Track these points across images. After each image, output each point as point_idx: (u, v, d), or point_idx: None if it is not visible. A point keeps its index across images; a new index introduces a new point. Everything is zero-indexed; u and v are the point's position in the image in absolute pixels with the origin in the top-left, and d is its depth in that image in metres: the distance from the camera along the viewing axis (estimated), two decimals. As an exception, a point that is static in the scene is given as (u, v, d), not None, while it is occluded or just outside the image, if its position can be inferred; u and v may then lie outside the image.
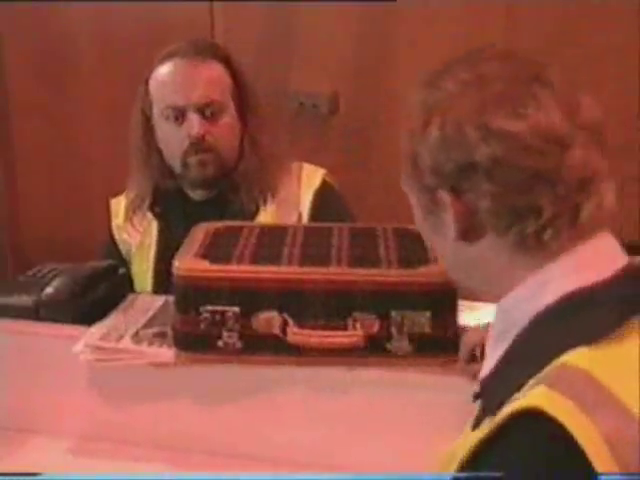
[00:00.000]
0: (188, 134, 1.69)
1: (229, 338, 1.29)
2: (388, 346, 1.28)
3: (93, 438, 1.41)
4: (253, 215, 1.73)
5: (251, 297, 1.28)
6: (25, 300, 1.43)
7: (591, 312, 0.83)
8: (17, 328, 1.42)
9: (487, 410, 0.84)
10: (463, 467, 0.81)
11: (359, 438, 1.32)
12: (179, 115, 1.69)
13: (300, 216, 1.74)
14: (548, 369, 0.79)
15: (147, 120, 1.75)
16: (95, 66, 2.64)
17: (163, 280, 1.68)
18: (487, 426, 0.81)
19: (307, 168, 1.81)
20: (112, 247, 1.83)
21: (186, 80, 1.70)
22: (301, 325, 1.27)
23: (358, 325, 1.27)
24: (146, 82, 1.75)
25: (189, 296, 1.30)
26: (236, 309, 1.27)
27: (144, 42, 2.52)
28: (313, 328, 1.27)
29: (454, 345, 1.27)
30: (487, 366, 0.91)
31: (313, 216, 1.74)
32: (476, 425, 0.85)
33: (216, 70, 1.72)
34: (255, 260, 1.32)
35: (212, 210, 1.69)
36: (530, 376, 0.80)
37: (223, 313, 1.28)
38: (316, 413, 1.33)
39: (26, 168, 2.81)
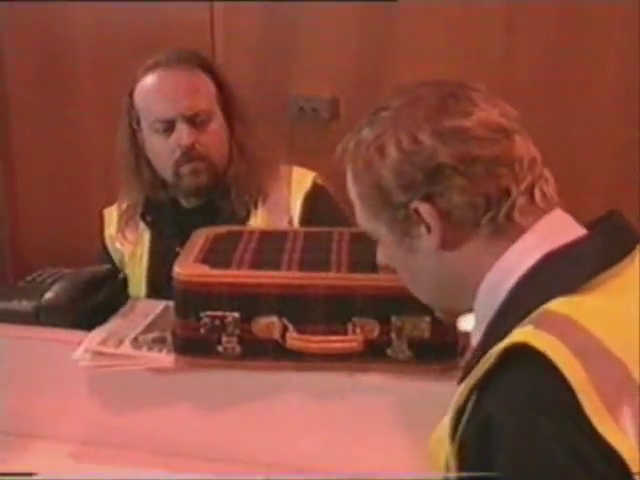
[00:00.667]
0: (178, 144, 1.68)
1: (229, 343, 1.29)
2: (388, 351, 1.28)
3: (93, 443, 1.41)
4: (244, 220, 1.73)
5: (251, 302, 1.28)
6: (25, 305, 1.43)
7: (567, 267, 0.90)
8: (17, 333, 1.42)
9: (471, 367, 0.88)
10: (458, 419, 0.87)
11: (359, 443, 1.32)
12: (168, 127, 1.69)
13: (291, 220, 1.74)
14: (532, 316, 0.86)
15: (134, 132, 1.75)
16: (94, 70, 2.64)
17: (157, 288, 1.69)
18: (475, 373, 0.86)
19: (297, 172, 1.81)
20: (105, 256, 1.83)
21: (172, 91, 1.69)
22: (301, 330, 1.28)
23: (358, 330, 1.27)
24: (130, 94, 1.74)
25: (189, 301, 1.30)
26: (236, 314, 1.27)
27: (144, 47, 2.52)
28: (313, 333, 1.27)
29: (453, 350, 1.28)
30: (474, 341, 0.97)
31: (304, 219, 1.74)
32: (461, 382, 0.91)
33: (201, 79, 1.72)
34: (255, 265, 1.32)
35: (203, 217, 1.69)
36: (514, 326, 0.86)
37: (223, 318, 1.28)
38: (316, 418, 1.33)
39: (26, 173, 2.81)
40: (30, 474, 1.31)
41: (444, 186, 0.93)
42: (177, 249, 1.58)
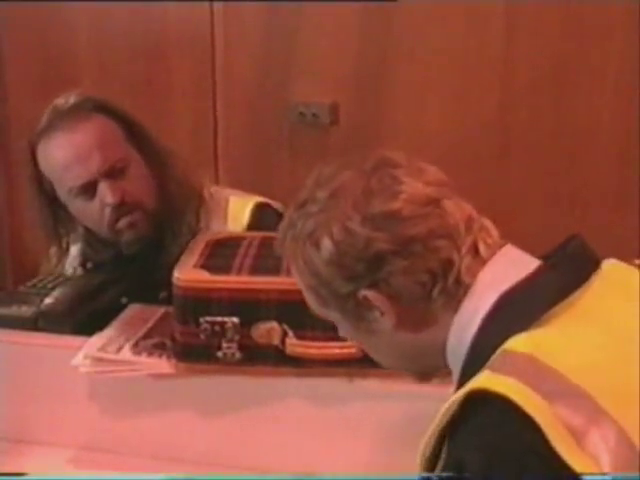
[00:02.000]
0: (106, 204, 1.56)
1: (228, 349, 1.29)
2: (387, 357, 1.28)
3: (93, 448, 1.41)
4: None
5: (250, 308, 1.28)
6: (25, 311, 1.44)
7: (521, 304, 0.90)
8: (17, 339, 1.43)
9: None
10: (426, 462, 0.89)
11: (359, 448, 1.32)
12: (88, 188, 1.56)
13: None
14: (492, 358, 0.86)
15: (50, 199, 1.63)
16: (95, 73, 2.64)
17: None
18: (438, 421, 0.87)
19: (234, 202, 1.70)
20: None
21: (78, 154, 1.54)
22: (300, 336, 1.28)
23: (357, 336, 1.27)
24: (34, 163, 1.62)
25: (188, 307, 1.30)
26: (235, 320, 1.27)
27: (144, 55, 2.53)
28: (312, 339, 1.27)
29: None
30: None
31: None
32: None
33: (103, 125, 1.58)
34: (254, 271, 1.32)
35: (145, 262, 1.61)
36: (477, 371, 0.86)
37: (222, 324, 1.28)
38: (315, 424, 1.33)
39: (26, 179, 2.80)
40: (21, 474, 1.31)
41: (386, 272, 0.92)
42: (122, 299, 1.56)
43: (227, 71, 2.52)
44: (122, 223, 1.59)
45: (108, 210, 1.57)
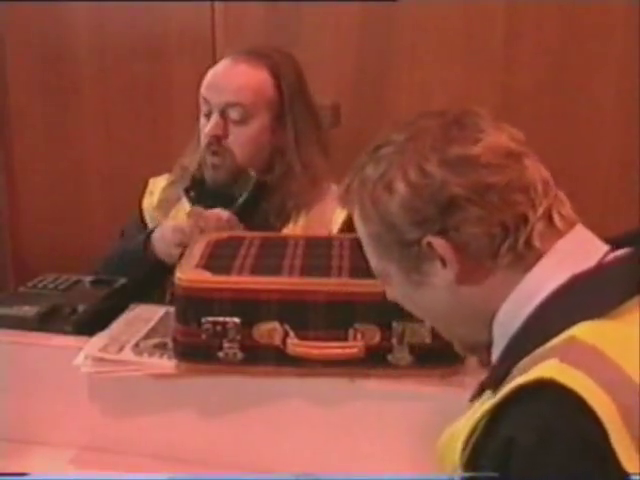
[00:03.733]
0: (204, 132, 1.70)
1: (230, 349, 1.29)
2: (389, 357, 1.28)
3: (94, 449, 1.41)
4: (279, 227, 1.71)
5: (252, 308, 1.28)
6: (26, 311, 1.43)
7: (593, 292, 0.87)
8: (18, 339, 1.42)
9: (488, 385, 0.88)
10: (469, 440, 0.85)
11: (360, 449, 1.32)
12: (208, 112, 1.70)
13: (330, 234, 1.70)
14: (556, 341, 0.83)
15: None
16: (96, 78, 2.64)
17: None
18: (492, 399, 0.84)
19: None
20: (139, 224, 1.82)
21: (221, 79, 1.71)
22: (302, 336, 1.28)
23: (359, 336, 1.27)
24: None
25: (190, 307, 1.30)
26: (237, 320, 1.27)
27: (144, 54, 2.53)
28: (314, 339, 1.27)
29: (454, 356, 1.27)
30: (493, 357, 0.94)
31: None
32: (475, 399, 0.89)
33: (258, 77, 1.71)
34: (256, 271, 1.32)
35: (244, 212, 1.68)
36: (536, 347, 0.84)
37: (224, 324, 1.28)
38: (317, 424, 1.33)
39: (27, 179, 2.81)
40: (22, 474, 1.31)
41: (459, 219, 0.89)
42: None
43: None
44: (209, 159, 1.70)
45: (206, 141, 1.70)
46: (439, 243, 0.91)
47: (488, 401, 0.85)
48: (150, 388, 1.36)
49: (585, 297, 0.87)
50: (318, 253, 1.40)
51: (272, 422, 1.35)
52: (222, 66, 1.73)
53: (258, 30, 2.48)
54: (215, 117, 1.69)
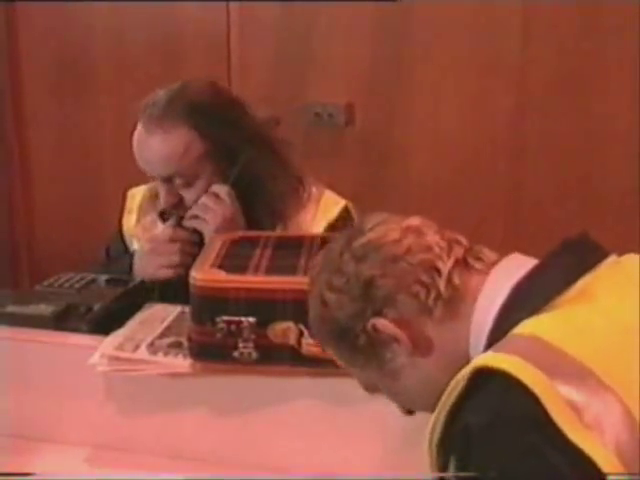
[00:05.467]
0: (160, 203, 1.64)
1: (245, 348, 1.29)
2: (404, 357, 1.28)
3: (109, 447, 1.41)
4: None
5: (267, 307, 1.28)
6: (42, 309, 1.44)
7: (531, 292, 0.93)
8: (34, 337, 1.43)
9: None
10: (437, 447, 0.92)
11: (374, 449, 1.32)
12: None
13: None
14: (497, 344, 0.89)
15: None
16: (111, 74, 2.65)
17: (169, 285, 1.66)
18: (443, 401, 0.90)
19: (327, 197, 1.72)
20: (119, 240, 1.81)
21: (146, 156, 1.60)
22: (317, 336, 1.27)
23: (374, 336, 1.27)
24: None
25: (205, 306, 1.30)
26: (252, 319, 1.28)
27: (160, 55, 2.54)
28: (329, 339, 1.27)
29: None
30: None
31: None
32: None
33: (179, 141, 1.57)
34: (271, 271, 1.32)
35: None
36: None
37: (239, 323, 1.28)
38: (331, 424, 1.33)
39: (43, 180, 2.82)
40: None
41: (381, 295, 0.98)
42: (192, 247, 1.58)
43: (243, 71, 2.52)
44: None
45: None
46: (380, 322, 0.99)
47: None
48: (165, 387, 1.37)
49: (523, 299, 0.93)
50: (333, 253, 1.39)
51: (286, 422, 1.35)
52: (141, 141, 1.59)
53: (272, 31, 2.49)
54: (163, 188, 1.62)
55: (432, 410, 1.05)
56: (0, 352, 1.43)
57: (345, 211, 1.71)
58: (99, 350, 1.37)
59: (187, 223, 1.65)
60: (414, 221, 1.03)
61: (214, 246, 1.43)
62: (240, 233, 1.53)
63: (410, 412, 1.13)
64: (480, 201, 2.34)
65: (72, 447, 1.41)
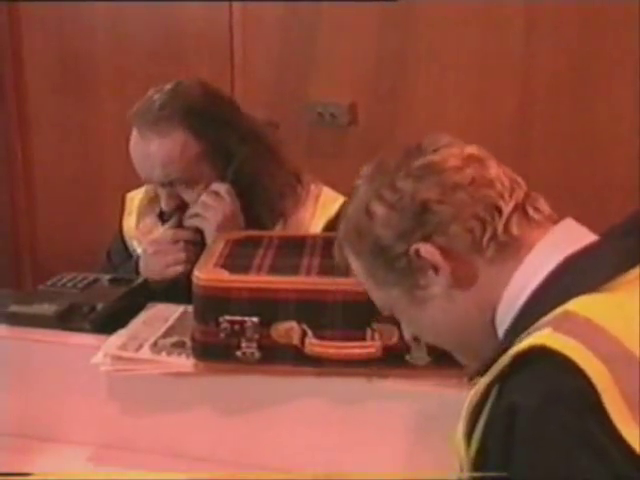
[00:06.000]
0: (162, 207, 1.65)
1: (248, 348, 1.29)
2: (407, 357, 1.28)
3: (112, 447, 1.41)
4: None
5: (270, 307, 1.28)
6: (46, 309, 1.44)
7: (587, 268, 0.90)
8: (37, 337, 1.43)
9: (488, 366, 0.89)
10: (475, 418, 0.88)
11: (377, 449, 1.32)
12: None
13: None
14: (551, 316, 0.86)
15: None
16: (114, 79, 2.66)
17: (170, 286, 1.67)
18: (491, 371, 0.87)
19: (326, 194, 1.73)
20: (120, 243, 1.81)
21: (144, 162, 1.60)
22: (320, 336, 1.28)
23: (377, 336, 1.27)
24: None
25: (208, 306, 1.30)
26: (255, 319, 1.28)
27: (162, 55, 2.54)
28: (332, 339, 1.27)
29: (473, 356, 1.27)
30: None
31: None
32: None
33: (176, 144, 1.57)
34: (274, 270, 1.32)
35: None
36: (532, 323, 0.87)
37: (242, 323, 1.28)
38: (334, 424, 1.33)
39: (45, 179, 2.83)
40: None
41: (436, 221, 0.95)
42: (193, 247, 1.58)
43: (245, 71, 2.52)
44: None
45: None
46: (425, 249, 0.95)
47: (488, 374, 0.88)
48: (168, 387, 1.37)
49: (578, 274, 0.90)
50: (336, 253, 1.39)
51: (290, 421, 1.35)
52: (138, 148, 1.60)
53: (275, 31, 2.49)
54: (163, 193, 1.63)
55: (445, 347, 1.06)
56: (3, 352, 1.43)
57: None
58: (102, 350, 1.37)
59: (188, 222, 1.65)
60: (475, 150, 0.99)
61: (217, 246, 1.43)
62: (243, 233, 1.53)
63: (416, 339, 1.12)
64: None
65: (75, 446, 1.42)
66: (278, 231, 1.67)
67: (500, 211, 0.94)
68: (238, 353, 1.29)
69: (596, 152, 2.28)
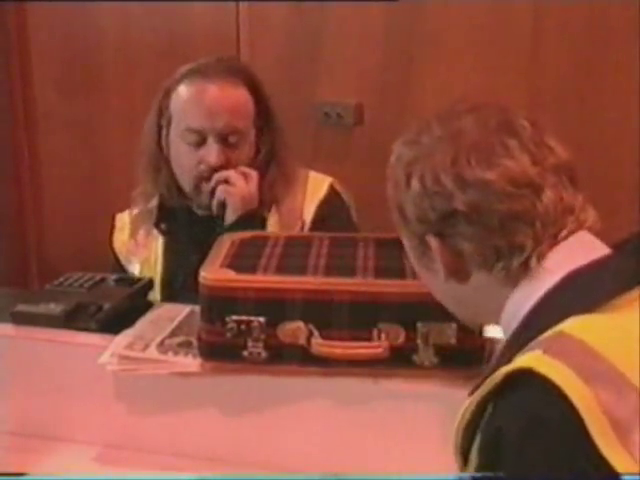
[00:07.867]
0: (207, 161, 1.65)
1: (254, 348, 1.29)
2: (414, 358, 1.28)
3: (119, 446, 1.41)
4: None
5: (276, 307, 1.28)
6: (52, 309, 1.44)
7: (587, 286, 0.90)
8: (44, 336, 1.43)
9: (484, 378, 0.89)
10: (463, 431, 0.90)
11: (384, 449, 1.32)
12: (199, 139, 1.65)
13: (303, 225, 1.71)
14: (545, 335, 0.86)
15: (160, 130, 1.71)
16: (121, 78, 2.66)
17: (171, 295, 1.67)
18: (481, 389, 0.87)
19: (313, 177, 1.78)
20: (115, 262, 1.81)
21: (213, 106, 1.64)
22: (326, 336, 1.28)
23: (383, 336, 1.27)
24: (166, 94, 1.69)
25: (215, 306, 1.30)
26: (261, 319, 1.28)
27: (169, 54, 2.54)
28: (338, 339, 1.27)
29: (480, 357, 1.27)
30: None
31: (315, 226, 1.70)
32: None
33: (243, 97, 1.68)
34: (281, 270, 1.32)
35: (217, 224, 1.66)
36: (528, 341, 0.87)
37: (249, 323, 1.28)
38: (341, 424, 1.33)
39: (52, 178, 2.83)
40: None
41: (455, 231, 0.95)
42: (193, 256, 1.56)
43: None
44: (207, 186, 1.67)
45: (202, 168, 1.66)
46: (434, 244, 0.97)
47: (478, 392, 0.89)
48: (175, 386, 1.37)
49: (577, 292, 0.89)
50: (343, 253, 1.39)
51: (296, 421, 1.35)
52: (207, 91, 1.65)
53: (282, 30, 2.49)
54: (215, 145, 1.65)
55: (456, 315, 1.09)
56: (10, 351, 1.44)
57: (332, 188, 1.77)
58: (109, 349, 1.38)
59: (217, 185, 1.67)
60: (543, 170, 0.93)
61: (223, 246, 1.43)
62: (249, 233, 1.53)
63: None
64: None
65: (81, 446, 1.42)
66: (275, 218, 1.71)
67: (523, 250, 0.92)
68: (244, 353, 1.29)
69: (602, 150, 2.28)
